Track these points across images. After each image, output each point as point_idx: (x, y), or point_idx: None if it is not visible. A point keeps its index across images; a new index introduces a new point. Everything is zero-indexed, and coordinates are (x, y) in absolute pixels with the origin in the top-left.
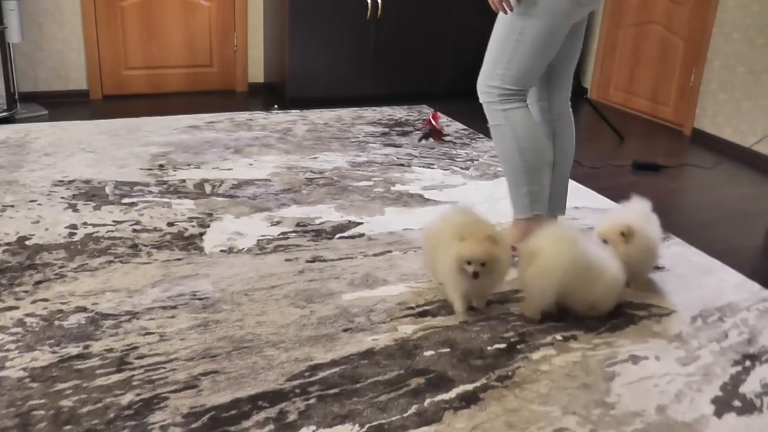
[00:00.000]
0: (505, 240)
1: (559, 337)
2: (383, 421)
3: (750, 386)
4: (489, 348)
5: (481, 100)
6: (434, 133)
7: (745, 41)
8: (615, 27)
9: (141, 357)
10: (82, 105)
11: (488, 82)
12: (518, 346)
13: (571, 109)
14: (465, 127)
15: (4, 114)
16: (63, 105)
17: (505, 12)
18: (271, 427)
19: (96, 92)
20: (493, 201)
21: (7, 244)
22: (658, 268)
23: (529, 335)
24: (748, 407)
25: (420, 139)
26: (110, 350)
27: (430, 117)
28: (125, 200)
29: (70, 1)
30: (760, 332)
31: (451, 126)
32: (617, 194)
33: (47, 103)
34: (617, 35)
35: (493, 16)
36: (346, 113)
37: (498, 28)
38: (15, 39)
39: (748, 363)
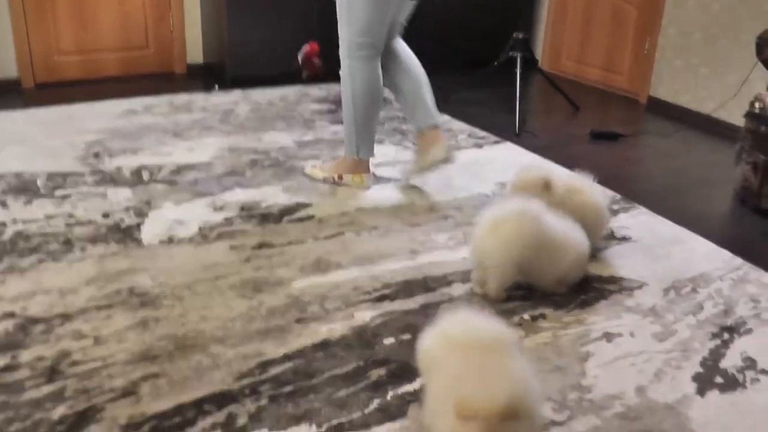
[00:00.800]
0: (530, 402)
1: (526, 316)
2: (343, 420)
3: (731, 360)
4: None
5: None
6: (309, 66)
7: (700, 7)
8: None
9: (74, 364)
10: (14, 94)
11: (341, 34)
12: None
13: (399, 40)
14: None
15: None
16: None
17: None
18: None
19: (28, 80)
20: (446, 178)
21: None
22: (625, 238)
23: (494, 316)
24: (731, 383)
25: (301, 74)
26: (41, 359)
27: (307, 47)
28: (58, 192)
29: None
30: (735, 302)
31: None
32: (576, 164)
33: None
34: (566, 5)
35: None
36: (290, 91)
37: None
38: None
39: (726, 335)
